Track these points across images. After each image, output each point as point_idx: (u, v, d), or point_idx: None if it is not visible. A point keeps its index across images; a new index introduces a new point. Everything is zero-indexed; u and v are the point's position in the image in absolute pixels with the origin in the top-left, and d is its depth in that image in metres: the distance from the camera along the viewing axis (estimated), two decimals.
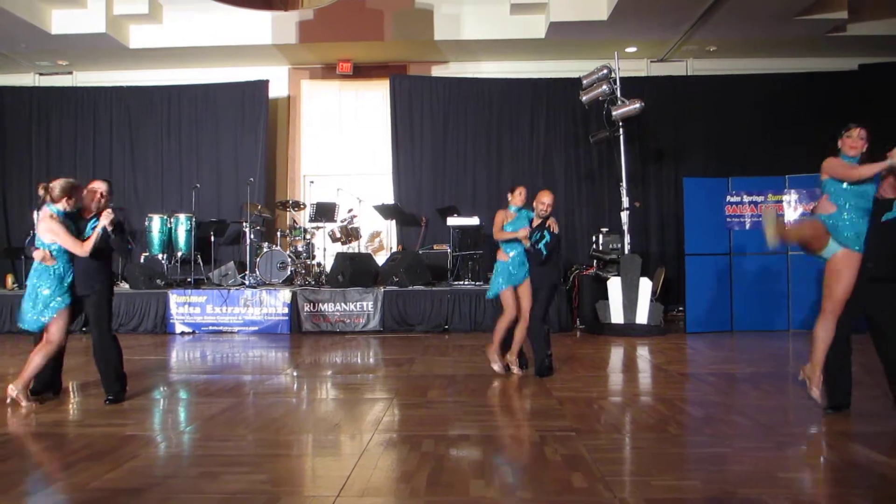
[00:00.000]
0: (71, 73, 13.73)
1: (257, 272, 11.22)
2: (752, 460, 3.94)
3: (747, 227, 10.20)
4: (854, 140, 4.92)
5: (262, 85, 13.28)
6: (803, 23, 11.22)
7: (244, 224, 11.70)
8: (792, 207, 10.15)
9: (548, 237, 6.60)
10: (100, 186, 5.63)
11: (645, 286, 9.90)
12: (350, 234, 11.78)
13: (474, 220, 11.54)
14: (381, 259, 12.18)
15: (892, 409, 4.99)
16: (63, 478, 3.64)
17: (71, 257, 5.43)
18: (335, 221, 11.91)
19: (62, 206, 5.38)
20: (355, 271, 10.62)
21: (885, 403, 5.13)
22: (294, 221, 12.25)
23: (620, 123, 10.70)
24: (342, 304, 10.47)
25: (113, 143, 13.49)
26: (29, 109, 13.49)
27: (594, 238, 11.42)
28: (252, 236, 11.57)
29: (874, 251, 4.82)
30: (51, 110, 13.54)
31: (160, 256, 11.57)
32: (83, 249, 5.32)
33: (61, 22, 11.51)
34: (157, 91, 13.47)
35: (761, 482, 3.53)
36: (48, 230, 5.31)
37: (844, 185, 4.84)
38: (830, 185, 4.92)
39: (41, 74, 13.74)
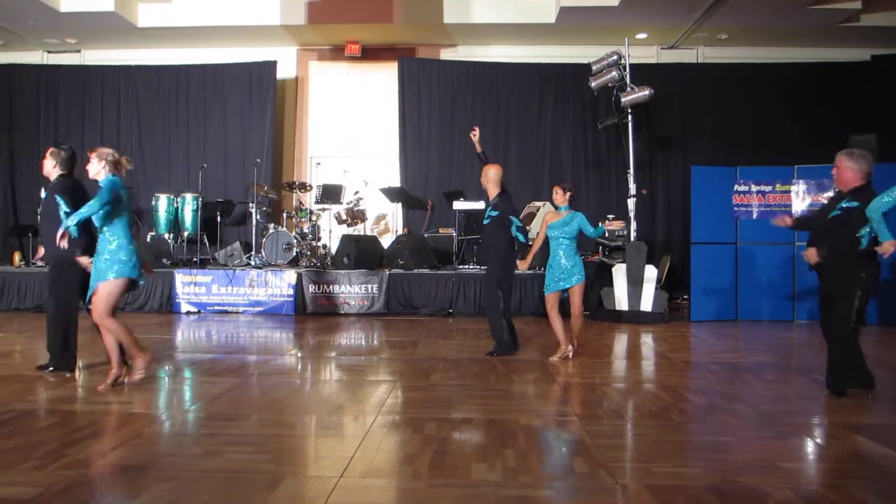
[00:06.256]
0: (79, 51, 13.71)
1: (263, 253, 11.24)
2: (753, 449, 3.95)
3: (754, 216, 10.16)
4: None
5: (271, 66, 13.26)
6: (816, 12, 11.14)
7: (250, 205, 11.69)
8: (800, 198, 10.09)
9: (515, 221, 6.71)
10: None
11: (650, 274, 9.89)
12: (356, 216, 11.79)
13: (480, 205, 11.46)
14: (386, 242, 12.18)
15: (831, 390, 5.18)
16: (68, 454, 3.67)
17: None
18: (341, 203, 11.91)
19: None
20: (360, 253, 10.63)
21: (886, 395, 5.14)
22: (300, 203, 12.25)
23: (629, 110, 10.65)
24: (347, 286, 10.49)
25: (120, 122, 13.53)
26: (37, 87, 13.53)
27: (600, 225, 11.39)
28: (258, 217, 11.56)
29: (828, 241, 5.07)
30: (59, 89, 13.56)
31: (166, 236, 11.60)
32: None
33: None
34: (165, 70, 13.47)
35: (762, 471, 3.53)
36: None
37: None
38: None
39: (49, 52, 13.73)
